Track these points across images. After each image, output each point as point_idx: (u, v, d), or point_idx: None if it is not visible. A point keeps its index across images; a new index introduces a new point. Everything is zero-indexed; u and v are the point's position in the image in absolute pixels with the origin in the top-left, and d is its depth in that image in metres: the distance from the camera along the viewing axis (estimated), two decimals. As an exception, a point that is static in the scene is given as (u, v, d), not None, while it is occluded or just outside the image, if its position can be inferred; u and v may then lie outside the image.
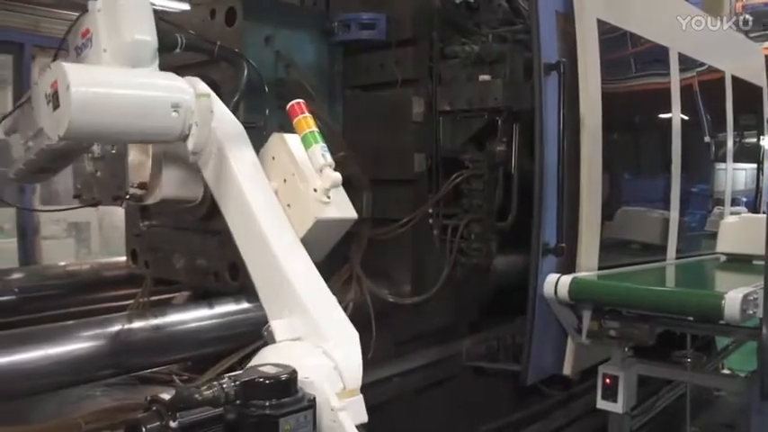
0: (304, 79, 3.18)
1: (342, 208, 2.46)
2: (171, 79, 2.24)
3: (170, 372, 3.10)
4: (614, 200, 3.91)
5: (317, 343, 1.98)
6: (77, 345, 2.52)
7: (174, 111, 2.16)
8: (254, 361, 1.95)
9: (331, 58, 3.49)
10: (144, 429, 1.69)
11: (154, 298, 3.31)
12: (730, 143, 5.13)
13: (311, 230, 2.34)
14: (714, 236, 4.42)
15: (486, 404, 3.91)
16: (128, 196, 2.65)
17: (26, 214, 6.89)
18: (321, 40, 3.43)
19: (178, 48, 2.54)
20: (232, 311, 2.96)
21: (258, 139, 2.51)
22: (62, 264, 4.31)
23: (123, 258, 3.63)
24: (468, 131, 3.49)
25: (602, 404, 3.42)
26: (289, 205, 2.36)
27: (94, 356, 2.55)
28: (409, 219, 3.35)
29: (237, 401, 1.72)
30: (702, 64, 4.70)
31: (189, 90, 2.21)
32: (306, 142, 2.30)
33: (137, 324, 2.70)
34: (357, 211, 2.57)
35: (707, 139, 4.90)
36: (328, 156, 2.28)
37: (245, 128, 2.40)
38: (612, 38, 3.74)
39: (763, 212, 5.44)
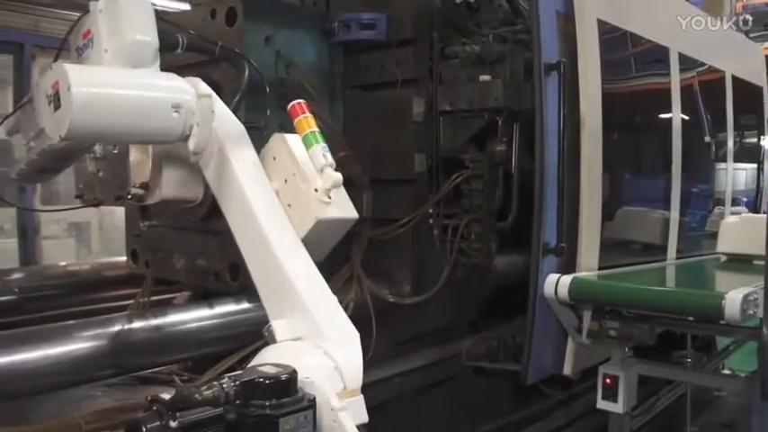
0: (304, 79, 3.18)
1: (343, 208, 2.46)
2: (172, 80, 2.24)
3: (170, 372, 3.10)
4: (614, 200, 3.91)
5: (317, 343, 1.98)
6: (78, 345, 2.52)
7: (175, 111, 2.16)
8: (255, 361, 1.95)
9: (331, 58, 3.49)
10: (144, 429, 1.69)
11: (154, 298, 3.31)
12: (731, 143, 5.13)
13: (312, 230, 2.34)
14: (714, 236, 4.41)
15: (486, 404, 3.91)
16: (130, 196, 2.65)
17: (27, 214, 6.89)
18: (321, 41, 3.43)
19: (179, 48, 2.53)
20: (232, 312, 2.96)
21: (259, 140, 2.51)
22: (62, 264, 4.31)
23: (123, 258, 3.63)
24: (468, 131, 3.49)
25: (602, 404, 3.42)
26: (290, 205, 2.36)
27: (95, 356, 2.55)
28: (409, 219, 3.36)
29: (237, 401, 1.72)
30: (703, 64, 4.70)
31: (190, 90, 2.21)
32: (307, 142, 2.30)
33: (137, 324, 2.71)
34: (357, 211, 2.57)
35: (707, 139, 4.90)
36: (329, 156, 2.28)
37: (246, 128, 2.40)
38: (613, 38, 3.74)
39: (764, 212, 5.45)
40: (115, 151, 2.71)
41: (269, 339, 2.03)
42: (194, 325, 2.87)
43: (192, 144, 2.23)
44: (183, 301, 3.40)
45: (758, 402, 3.07)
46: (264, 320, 2.12)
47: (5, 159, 2.95)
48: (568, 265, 3.44)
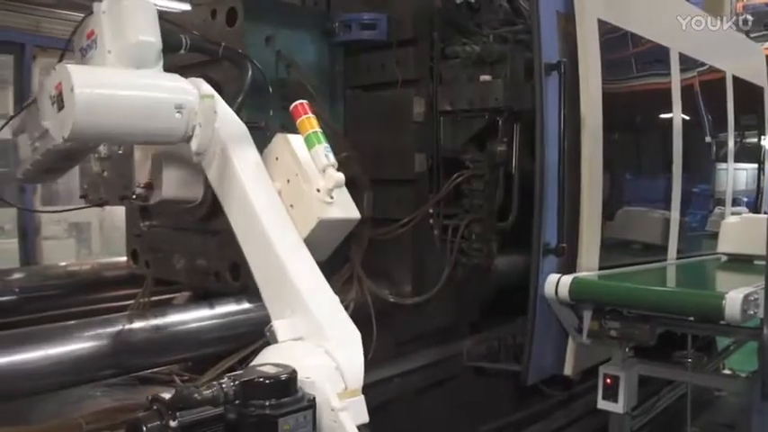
0: (305, 79, 3.18)
1: (345, 208, 2.46)
2: (175, 80, 2.24)
3: (170, 372, 3.09)
4: (615, 200, 3.91)
5: (318, 343, 1.98)
6: (78, 345, 2.52)
7: (178, 112, 2.16)
8: (256, 360, 1.96)
9: (332, 58, 3.49)
10: (144, 428, 1.70)
11: (154, 298, 3.31)
12: (731, 143, 5.13)
13: (314, 230, 2.34)
14: (715, 236, 4.41)
15: (486, 404, 3.91)
16: (134, 196, 2.65)
17: (27, 215, 6.89)
18: (322, 41, 3.43)
19: (183, 49, 2.54)
20: (233, 312, 2.96)
21: (261, 140, 2.51)
22: (63, 264, 4.31)
23: (124, 258, 3.64)
24: (468, 131, 3.49)
25: (602, 404, 3.42)
26: (292, 205, 2.36)
27: (95, 357, 2.55)
28: (410, 219, 3.35)
29: (237, 401, 1.72)
30: (703, 64, 4.70)
31: (192, 91, 2.22)
32: (309, 142, 2.31)
33: (137, 324, 2.70)
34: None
35: (708, 139, 4.90)
36: (331, 156, 2.28)
37: (248, 128, 2.40)
38: (613, 38, 3.74)
39: (764, 213, 5.45)
40: (120, 151, 2.72)
41: (270, 339, 2.03)
42: (194, 325, 2.87)
43: (194, 145, 2.23)
44: (183, 301, 3.40)
45: (758, 402, 3.08)
46: (264, 320, 2.12)
47: (6, 159, 2.96)
48: (569, 266, 3.44)
